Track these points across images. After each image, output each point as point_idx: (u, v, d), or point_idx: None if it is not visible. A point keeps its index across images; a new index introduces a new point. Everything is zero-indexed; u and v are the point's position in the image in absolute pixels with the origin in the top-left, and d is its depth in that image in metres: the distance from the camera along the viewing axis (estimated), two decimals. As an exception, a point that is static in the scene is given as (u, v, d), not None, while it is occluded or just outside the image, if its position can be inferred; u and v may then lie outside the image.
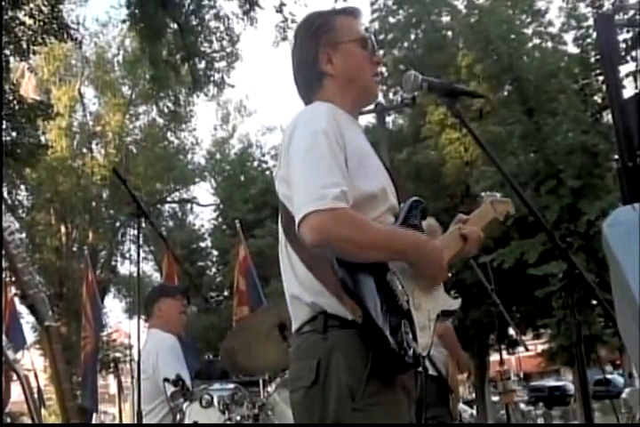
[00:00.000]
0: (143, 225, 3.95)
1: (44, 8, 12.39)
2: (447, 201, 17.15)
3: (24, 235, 21.44)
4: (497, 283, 4.50)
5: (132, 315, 16.72)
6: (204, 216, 37.38)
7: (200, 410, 3.10)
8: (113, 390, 23.21)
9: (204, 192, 40.53)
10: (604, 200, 13.52)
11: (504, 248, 14.51)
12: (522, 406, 19.12)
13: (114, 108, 24.57)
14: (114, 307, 45.98)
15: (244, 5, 14.27)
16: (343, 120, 1.83)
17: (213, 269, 23.64)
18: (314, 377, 1.67)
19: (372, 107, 11.12)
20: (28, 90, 19.36)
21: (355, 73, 1.95)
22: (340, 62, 1.93)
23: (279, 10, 13.79)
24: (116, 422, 17.85)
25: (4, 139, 12.21)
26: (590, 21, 16.06)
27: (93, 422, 8.98)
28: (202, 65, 15.22)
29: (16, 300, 8.68)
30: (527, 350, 20.52)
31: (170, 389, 3.26)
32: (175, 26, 14.11)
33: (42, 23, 12.36)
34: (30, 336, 15.69)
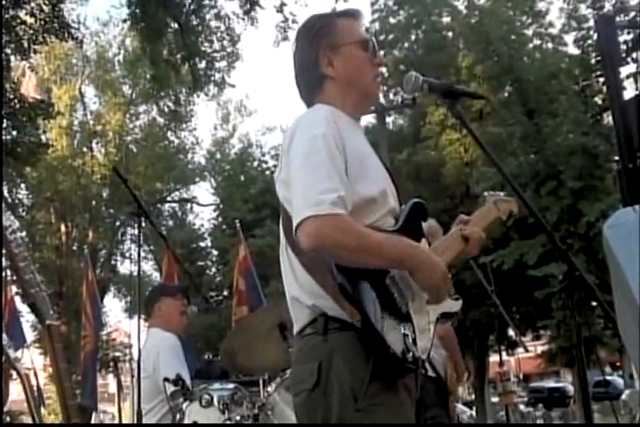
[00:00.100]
0: (143, 224, 3.95)
1: (44, 7, 12.41)
2: (447, 202, 17.14)
3: (24, 234, 21.42)
4: (497, 284, 4.50)
5: (131, 314, 16.73)
6: (203, 216, 37.36)
7: (200, 410, 3.10)
8: (112, 389, 23.22)
9: (203, 192, 40.78)
10: (605, 202, 13.50)
11: (504, 249, 14.48)
12: (521, 407, 19.10)
13: (114, 108, 24.55)
14: (114, 306, 45.90)
15: (245, 5, 14.29)
16: (344, 123, 1.83)
17: (213, 269, 23.62)
18: (315, 380, 1.67)
19: (372, 107, 11.12)
20: (29, 89, 19.37)
21: (356, 75, 1.94)
22: (340, 65, 1.93)
23: (280, 10, 13.84)
24: (116, 421, 17.82)
25: (4, 137, 12.22)
26: (591, 23, 16.07)
27: (93, 421, 8.98)
28: (202, 65, 15.25)
29: (16, 298, 8.70)
30: (527, 351, 20.41)
31: (170, 388, 3.26)
32: (176, 25, 14.12)
33: (43, 22, 12.38)
34: (30, 335, 15.73)
